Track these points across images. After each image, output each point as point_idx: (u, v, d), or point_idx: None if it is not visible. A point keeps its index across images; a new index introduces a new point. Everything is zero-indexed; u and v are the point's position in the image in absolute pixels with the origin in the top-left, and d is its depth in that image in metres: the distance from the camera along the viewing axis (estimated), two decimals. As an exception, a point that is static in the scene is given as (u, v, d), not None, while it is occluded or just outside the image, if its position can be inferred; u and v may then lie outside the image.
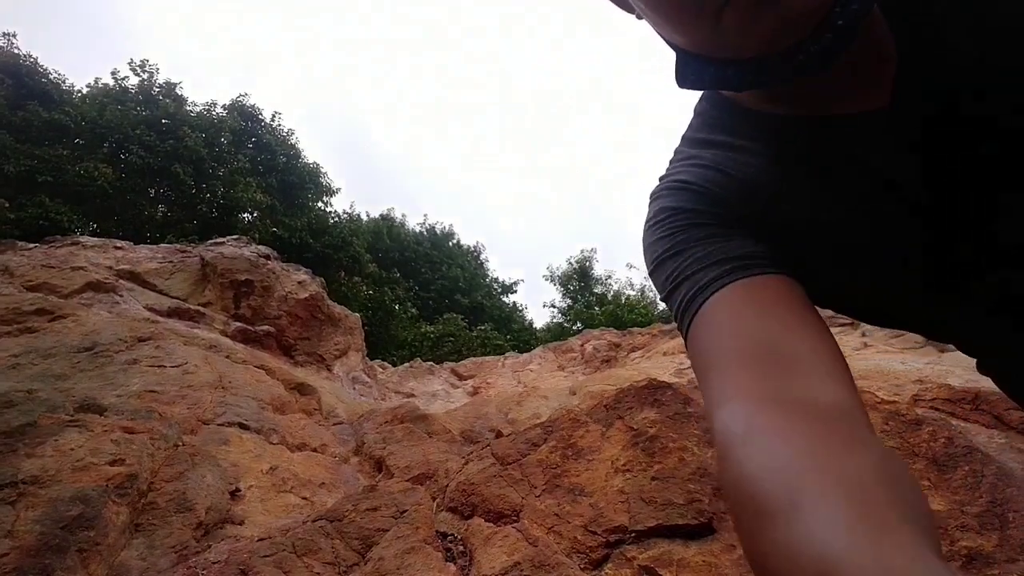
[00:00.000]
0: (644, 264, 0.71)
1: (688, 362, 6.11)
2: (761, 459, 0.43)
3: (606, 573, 2.20)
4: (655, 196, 0.72)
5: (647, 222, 0.71)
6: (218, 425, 3.68)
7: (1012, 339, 0.61)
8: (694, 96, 0.73)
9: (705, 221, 0.65)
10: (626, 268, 44.53)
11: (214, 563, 2.35)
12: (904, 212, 0.57)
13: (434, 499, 2.87)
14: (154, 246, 7.16)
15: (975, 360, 0.69)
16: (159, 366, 4.11)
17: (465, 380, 8.26)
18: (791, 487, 0.39)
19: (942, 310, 0.61)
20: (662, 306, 27.38)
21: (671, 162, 0.74)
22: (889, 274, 0.60)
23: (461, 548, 2.42)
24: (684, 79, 0.59)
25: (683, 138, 0.74)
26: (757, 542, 0.40)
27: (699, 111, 0.72)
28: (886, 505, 0.37)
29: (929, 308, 0.62)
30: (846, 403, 0.48)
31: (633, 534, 2.28)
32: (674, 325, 7.94)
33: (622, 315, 21.14)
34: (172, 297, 6.18)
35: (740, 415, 0.48)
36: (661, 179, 0.73)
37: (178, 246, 7.37)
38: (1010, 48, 0.50)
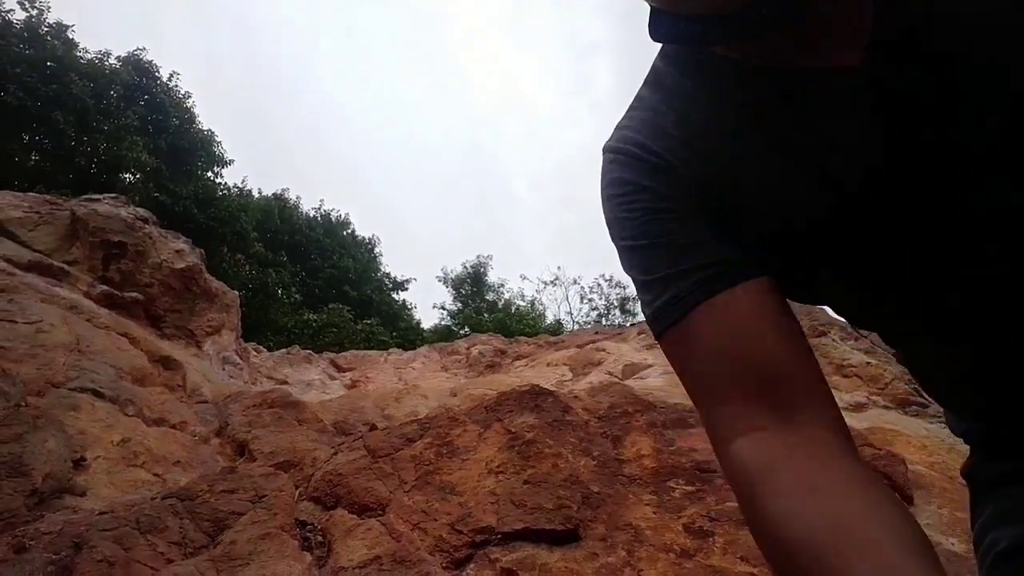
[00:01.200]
0: (606, 227, 0.70)
1: (569, 375, 6.23)
2: (804, 508, 0.49)
3: (467, 573, 2.17)
4: (611, 155, 0.69)
5: (605, 187, 0.69)
6: (69, 389, 3.38)
7: (922, 337, 0.61)
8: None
9: (667, 206, 0.63)
10: (519, 279, 45.26)
11: (45, 534, 2.13)
12: (847, 179, 0.55)
13: (297, 487, 2.73)
14: (20, 193, 6.47)
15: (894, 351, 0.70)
16: (10, 321, 3.73)
17: (344, 372, 8.02)
18: (852, 543, 0.45)
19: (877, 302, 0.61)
20: (550, 318, 27.99)
21: (629, 108, 0.71)
22: (814, 241, 0.59)
23: (320, 538, 2.31)
24: (656, 32, 0.58)
25: (644, 82, 0.71)
26: None
27: (663, 53, 0.69)
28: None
29: (855, 292, 0.61)
30: (838, 423, 0.56)
31: (499, 536, 2.26)
32: (559, 338, 8.08)
33: (510, 324, 21.33)
34: (34, 250, 5.61)
35: (756, 451, 0.54)
36: (618, 128, 0.70)
37: (48, 197, 6.70)
38: (1004, 27, 0.47)
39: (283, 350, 8.45)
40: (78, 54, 19.04)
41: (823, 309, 6.38)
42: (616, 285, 28.81)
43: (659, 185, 0.64)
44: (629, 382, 4.45)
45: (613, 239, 0.69)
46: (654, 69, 0.69)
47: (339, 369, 8.08)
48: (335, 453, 2.96)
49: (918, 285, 0.56)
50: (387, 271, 29.06)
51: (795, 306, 0.65)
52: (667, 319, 0.61)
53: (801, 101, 0.56)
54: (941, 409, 0.74)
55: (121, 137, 18.29)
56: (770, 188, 0.59)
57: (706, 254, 0.60)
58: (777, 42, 0.55)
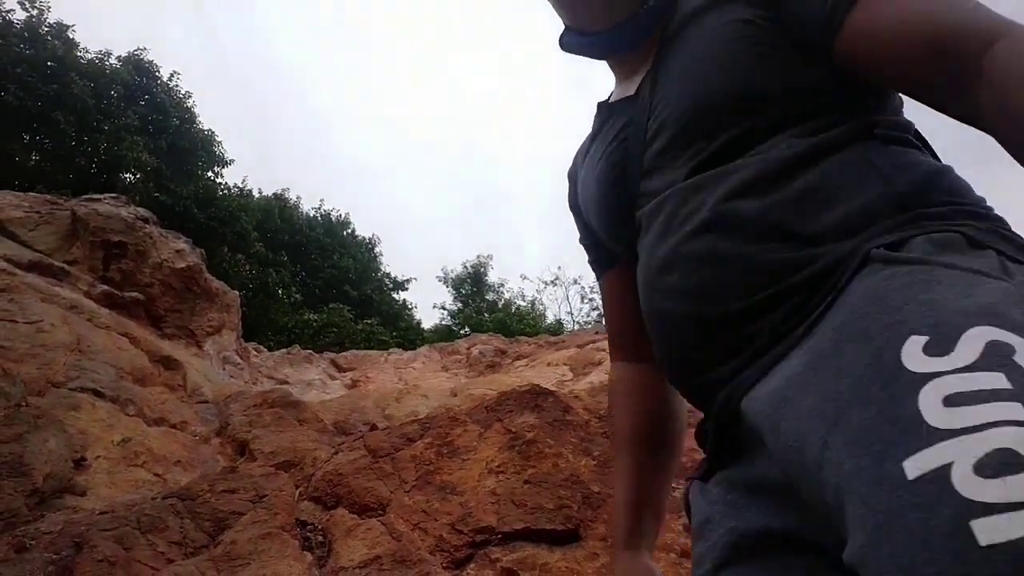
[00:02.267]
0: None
1: (569, 375, 6.23)
2: (624, 417, 0.94)
3: (468, 573, 2.17)
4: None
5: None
6: (70, 389, 3.38)
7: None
8: None
9: (578, 218, 0.97)
10: (520, 279, 45.15)
11: (46, 533, 2.13)
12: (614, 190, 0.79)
13: (298, 487, 2.73)
14: (21, 193, 6.47)
15: None
16: (10, 320, 3.73)
17: (344, 372, 8.02)
18: (636, 440, 0.93)
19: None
20: (551, 318, 27.96)
21: None
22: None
23: (320, 538, 2.32)
24: (562, 44, 0.85)
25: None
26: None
27: None
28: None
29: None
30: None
31: (499, 535, 2.26)
32: (560, 338, 8.11)
33: (511, 324, 21.29)
34: (35, 250, 5.61)
35: (615, 375, 0.97)
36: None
37: (48, 197, 6.68)
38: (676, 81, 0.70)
39: (283, 350, 8.44)
40: (78, 54, 18.99)
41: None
42: (616, 285, 28.74)
43: (574, 204, 0.97)
44: (629, 382, 4.44)
45: None
46: None
47: (339, 369, 8.08)
48: (335, 453, 2.97)
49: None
50: (387, 271, 28.97)
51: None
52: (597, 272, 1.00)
53: (602, 121, 0.83)
54: None
55: (121, 137, 18.25)
56: (592, 200, 0.85)
57: (595, 251, 0.95)
58: (618, 72, 0.83)
